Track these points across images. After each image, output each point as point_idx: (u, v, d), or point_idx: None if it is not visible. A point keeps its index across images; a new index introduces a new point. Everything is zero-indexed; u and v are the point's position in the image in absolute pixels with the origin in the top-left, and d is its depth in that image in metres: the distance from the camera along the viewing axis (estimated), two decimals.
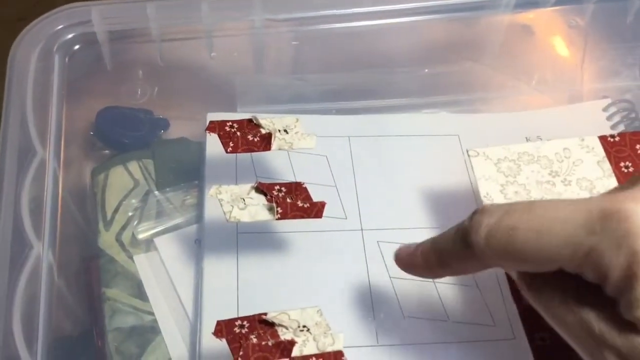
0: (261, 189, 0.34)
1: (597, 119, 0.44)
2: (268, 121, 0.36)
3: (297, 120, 0.37)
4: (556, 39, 0.47)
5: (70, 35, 0.38)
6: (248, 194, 0.34)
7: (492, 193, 0.32)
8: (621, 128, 0.43)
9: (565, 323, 0.24)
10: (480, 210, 0.26)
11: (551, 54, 0.48)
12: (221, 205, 0.34)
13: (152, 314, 0.36)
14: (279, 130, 0.36)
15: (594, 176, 0.34)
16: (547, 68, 0.48)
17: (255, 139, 0.35)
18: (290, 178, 0.40)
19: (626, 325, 0.23)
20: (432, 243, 0.29)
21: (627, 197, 0.22)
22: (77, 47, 0.39)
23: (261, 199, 0.34)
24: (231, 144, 0.35)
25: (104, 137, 0.42)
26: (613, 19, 0.45)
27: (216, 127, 0.35)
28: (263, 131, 0.36)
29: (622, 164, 0.35)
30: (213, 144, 0.41)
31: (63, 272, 0.33)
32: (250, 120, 0.36)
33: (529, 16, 0.44)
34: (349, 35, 0.43)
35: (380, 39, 0.44)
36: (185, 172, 0.41)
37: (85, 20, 0.39)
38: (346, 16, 0.42)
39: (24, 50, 0.37)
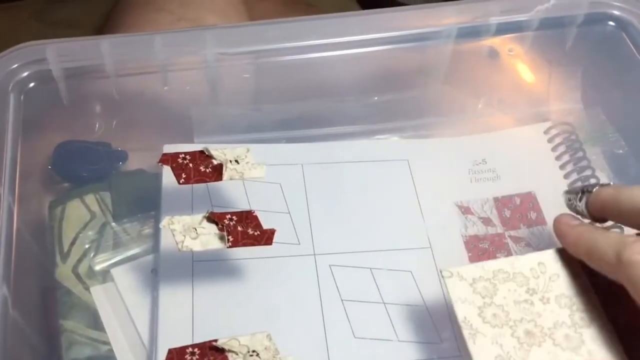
0: (213, 218, 0.35)
1: (538, 141, 0.46)
2: (219, 152, 0.37)
3: (248, 150, 0.38)
4: (502, 65, 0.49)
5: (25, 74, 0.39)
6: (200, 223, 0.36)
7: (470, 317, 0.32)
8: (562, 150, 0.45)
9: None
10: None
11: (497, 80, 0.50)
12: (173, 235, 0.35)
13: (108, 344, 0.37)
14: (230, 161, 0.37)
15: (572, 292, 0.33)
16: (493, 93, 0.50)
17: (207, 170, 0.36)
18: (245, 206, 0.41)
19: None
20: (590, 234, 0.32)
21: None
22: (32, 84, 0.40)
23: (213, 228, 0.35)
24: (184, 175, 0.36)
25: (62, 171, 0.43)
26: (552, 45, 0.47)
27: (169, 159, 0.36)
28: (215, 162, 0.37)
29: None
30: (169, 175, 0.41)
31: (19, 305, 0.34)
32: (202, 152, 0.37)
33: (472, 45, 0.46)
34: (301, 66, 0.44)
35: (330, 69, 0.45)
36: (142, 203, 0.42)
37: (40, 58, 0.40)
38: (297, 49, 0.43)
39: None
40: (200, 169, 0.36)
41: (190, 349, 0.31)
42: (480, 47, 0.47)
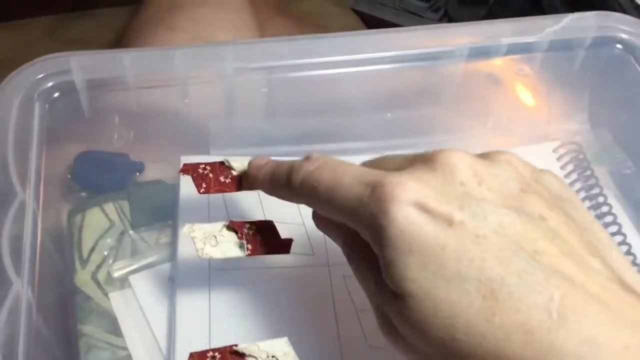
0: (232, 227, 0.36)
1: (548, 160, 0.47)
2: (239, 163, 0.38)
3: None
4: (511, 85, 0.51)
5: (50, 84, 0.40)
6: (220, 231, 0.36)
7: None
8: (570, 168, 0.46)
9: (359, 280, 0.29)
10: (306, 157, 0.30)
11: (507, 99, 0.51)
12: (194, 242, 0.35)
13: (126, 349, 0.37)
14: None
15: None
16: (502, 112, 0.51)
17: (227, 180, 0.37)
18: (260, 217, 0.42)
19: (386, 289, 0.26)
20: (273, 168, 0.33)
21: (394, 174, 0.25)
22: (56, 94, 0.41)
23: (232, 236, 0.36)
24: (204, 185, 0.37)
25: (81, 180, 0.44)
26: (561, 67, 0.48)
27: (190, 169, 0.37)
28: (234, 173, 0.38)
29: None
30: (186, 186, 0.43)
31: (41, 310, 0.34)
32: (222, 163, 0.38)
33: (484, 64, 0.47)
34: (315, 82, 0.45)
35: (344, 86, 0.47)
36: (159, 213, 0.43)
37: (65, 69, 0.41)
38: (312, 65, 0.45)
39: (5, 98, 0.39)
40: (220, 179, 0.37)
41: (210, 353, 0.32)
42: (490, 68, 0.48)
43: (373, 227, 0.25)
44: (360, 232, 0.26)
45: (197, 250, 0.35)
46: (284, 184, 0.31)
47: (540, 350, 0.21)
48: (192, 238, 0.35)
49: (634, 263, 0.42)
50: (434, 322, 0.23)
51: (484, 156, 0.27)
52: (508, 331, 0.22)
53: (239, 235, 0.36)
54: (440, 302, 0.23)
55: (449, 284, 0.23)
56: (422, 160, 0.26)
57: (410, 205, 0.24)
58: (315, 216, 0.33)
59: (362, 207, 0.25)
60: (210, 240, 0.35)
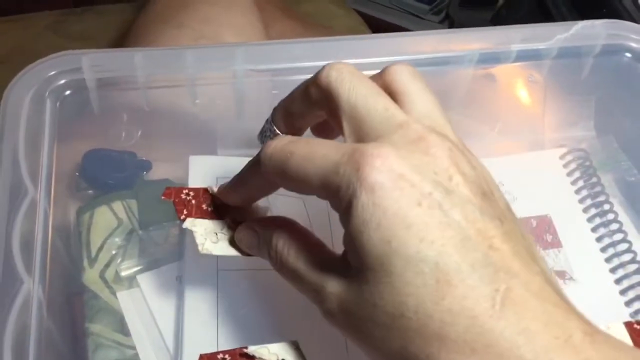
0: (234, 225, 0.36)
1: (555, 166, 0.47)
2: None
3: None
4: (518, 91, 0.51)
5: (61, 81, 0.40)
6: (222, 229, 0.36)
7: None
8: (577, 175, 0.46)
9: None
10: (274, 137, 0.31)
11: (514, 105, 0.52)
12: (195, 237, 0.35)
13: (134, 348, 0.37)
14: None
15: None
16: (510, 117, 0.51)
17: (209, 209, 0.36)
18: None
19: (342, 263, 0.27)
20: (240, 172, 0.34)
21: (374, 145, 0.26)
22: (67, 92, 0.41)
23: (233, 234, 0.36)
24: (185, 212, 0.36)
25: (90, 178, 0.44)
26: (569, 74, 0.48)
27: (172, 193, 0.36)
28: (217, 202, 0.36)
29: None
30: (194, 185, 0.42)
31: (50, 308, 0.34)
32: (206, 190, 0.37)
33: (493, 70, 0.48)
34: None
35: None
36: (168, 212, 0.42)
37: (76, 67, 0.41)
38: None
39: (17, 94, 0.39)
40: (202, 207, 0.36)
41: (221, 355, 0.32)
42: (499, 73, 0.48)
43: (346, 196, 0.26)
44: (331, 202, 0.27)
45: (197, 245, 0.35)
46: (250, 167, 0.32)
47: (480, 335, 0.23)
48: (193, 232, 0.35)
49: (639, 271, 0.42)
50: (388, 298, 0.25)
51: (462, 149, 0.28)
52: (454, 314, 0.24)
53: None
54: (396, 279, 0.24)
55: (407, 263, 0.24)
56: (404, 135, 0.27)
57: (386, 178, 0.25)
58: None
59: (338, 175, 0.26)
60: (211, 237, 0.35)
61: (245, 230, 0.34)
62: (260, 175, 0.31)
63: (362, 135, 0.28)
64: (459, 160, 0.27)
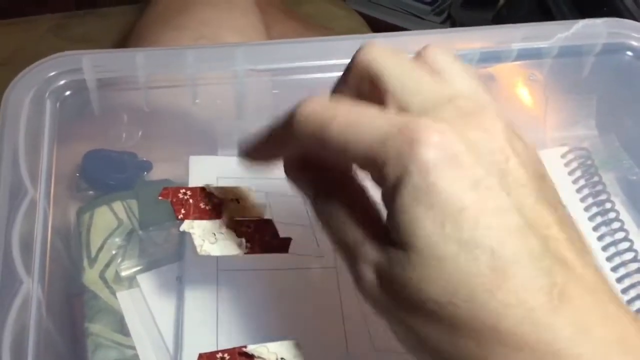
0: (231, 225, 0.36)
1: (556, 165, 0.47)
2: (221, 191, 0.37)
3: (250, 190, 0.38)
4: (519, 90, 0.51)
5: (61, 82, 0.40)
6: (219, 229, 0.36)
7: None
8: (578, 174, 0.46)
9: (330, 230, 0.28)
10: (310, 97, 0.26)
11: (516, 104, 0.52)
12: (193, 238, 0.35)
13: (133, 348, 0.37)
14: (231, 200, 0.37)
15: None
16: (511, 116, 0.51)
17: (207, 207, 0.36)
18: (267, 217, 0.42)
19: (383, 240, 0.25)
20: (267, 128, 0.30)
21: (428, 117, 0.24)
22: (67, 93, 0.40)
23: (231, 234, 0.36)
24: (183, 211, 0.36)
25: (90, 179, 0.44)
26: (570, 73, 0.48)
27: (170, 193, 0.36)
28: (215, 200, 0.36)
29: None
30: (195, 185, 0.42)
31: (49, 308, 0.34)
32: (203, 189, 0.37)
33: (494, 69, 0.47)
34: (327, 84, 0.45)
35: None
36: (168, 212, 0.42)
37: (77, 67, 0.41)
38: (323, 67, 0.45)
39: (17, 95, 0.39)
40: (200, 206, 0.36)
41: (220, 354, 0.32)
42: (500, 72, 0.48)
43: (395, 172, 0.23)
44: (372, 175, 0.25)
45: (195, 247, 0.35)
46: (280, 129, 0.28)
47: (535, 329, 0.22)
48: (191, 234, 0.35)
49: None
50: (436, 283, 0.23)
51: (514, 128, 0.26)
52: (509, 306, 0.22)
53: (238, 233, 0.36)
54: (447, 264, 0.23)
55: (461, 248, 0.23)
56: (456, 109, 0.25)
57: (442, 156, 0.23)
58: (288, 164, 0.30)
59: (386, 147, 0.24)
60: (209, 237, 0.35)
61: None
62: (290, 136, 0.27)
63: (411, 108, 0.26)
64: (514, 140, 0.25)
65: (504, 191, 0.23)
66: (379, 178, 0.25)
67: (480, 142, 0.24)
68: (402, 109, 0.26)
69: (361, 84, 0.28)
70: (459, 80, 0.27)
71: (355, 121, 0.25)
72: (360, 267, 0.26)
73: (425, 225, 0.23)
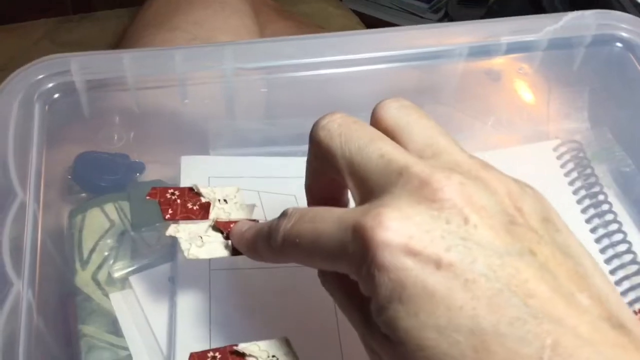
0: (218, 226, 0.36)
1: (548, 158, 0.47)
2: (209, 190, 0.37)
3: (238, 190, 0.38)
4: (510, 84, 0.51)
5: (50, 85, 0.40)
6: (206, 231, 0.36)
7: None
8: (570, 167, 0.46)
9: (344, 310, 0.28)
10: (283, 214, 0.29)
11: (507, 98, 0.52)
12: (179, 243, 0.35)
13: (127, 349, 0.37)
14: (219, 200, 0.37)
15: None
16: (503, 110, 0.51)
17: (195, 207, 0.36)
18: (260, 217, 0.42)
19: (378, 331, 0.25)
20: (255, 233, 0.32)
21: (372, 213, 0.24)
22: (56, 95, 0.41)
23: (218, 236, 0.35)
24: (170, 211, 0.36)
25: (82, 181, 0.44)
26: (561, 65, 0.48)
27: (157, 193, 0.36)
28: (203, 200, 0.36)
29: None
30: (186, 186, 0.42)
31: (41, 311, 0.34)
32: (191, 189, 0.37)
33: (484, 63, 0.47)
34: (315, 82, 0.45)
35: (345, 85, 0.47)
36: (160, 213, 0.43)
37: (64, 70, 0.41)
38: (311, 65, 0.45)
39: (5, 99, 0.39)
40: (188, 206, 0.36)
41: (211, 353, 0.32)
42: (490, 66, 0.48)
43: (361, 274, 0.24)
44: (351, 276, 0.25)
45: (182, 251, 0.34)
46: (266, 248, 0.30)
47: None
48: (178, 238, 0.35)
49: (634, 261, 0.42)
50: None
51: (474, 168, 0.26)
52: None
53: (225, 235, 0.35)
54: (431, 353, 0.22)
55: (440, 334, 0.22)
56: (405, 184, 0.24)
57: (395, 250, 0.23)
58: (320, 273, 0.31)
59: (347, 255, 0.24)
60: (196, 241, 0.35)
61: None
62: (274, 254, 0.30)
63: (367, 192, 0.26)
64: (473, 192, 0.24)
65: (468, 262, 0.22)
66: (358, 282, 0.25)
67: (434, 217, 0.23)
68: (361, 192, 0.26)
69: (323, 165, 0.28)
70: (412, 133, 0.27)
71: (316, 238, 0.26)
72: (363, 342, 0.27)
73: (403, 319, 0.23)
